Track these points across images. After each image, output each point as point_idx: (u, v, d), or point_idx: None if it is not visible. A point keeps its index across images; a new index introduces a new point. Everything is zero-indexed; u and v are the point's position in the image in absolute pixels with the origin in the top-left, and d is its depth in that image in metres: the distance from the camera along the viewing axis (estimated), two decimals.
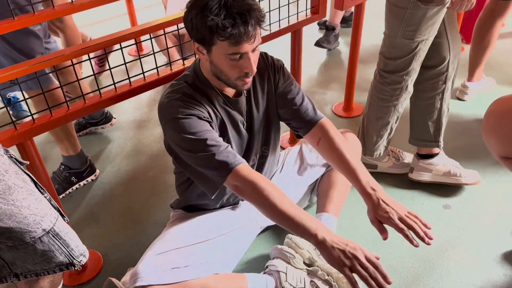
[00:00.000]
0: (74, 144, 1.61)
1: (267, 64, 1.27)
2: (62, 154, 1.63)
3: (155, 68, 1.33)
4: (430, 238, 1.01)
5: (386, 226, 1.08)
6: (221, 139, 1.10)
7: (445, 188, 1.63)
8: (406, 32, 1.39)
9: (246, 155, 1.27)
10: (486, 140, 0.90)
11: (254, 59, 1.04)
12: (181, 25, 1.19)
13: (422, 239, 1.00)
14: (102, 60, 2.37)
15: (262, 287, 1.25)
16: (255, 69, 1.06)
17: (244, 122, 1.22)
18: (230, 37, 0.95)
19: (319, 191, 1.46)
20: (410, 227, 1.00)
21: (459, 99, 2.18)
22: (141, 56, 1.31)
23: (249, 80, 1.09)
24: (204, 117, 1.10)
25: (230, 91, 1.19)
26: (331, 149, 1.19)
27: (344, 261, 0.92)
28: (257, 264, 1.42)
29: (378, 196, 1.08)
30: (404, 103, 1.56)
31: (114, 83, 1.25)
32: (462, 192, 1.63)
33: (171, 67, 1.35)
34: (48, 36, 1.59)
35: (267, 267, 1.32)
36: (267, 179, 1.06)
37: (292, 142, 1.81)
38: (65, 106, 1.20)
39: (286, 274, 1.25)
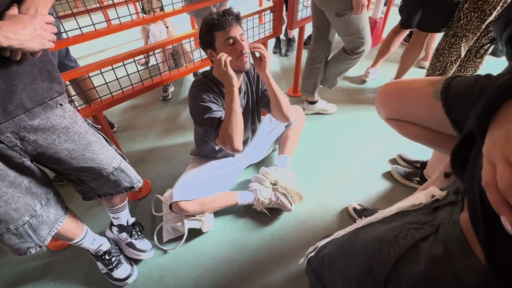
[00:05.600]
0: None
1: (253, 75, 1.40)
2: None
3: (148, 78, 1.44)
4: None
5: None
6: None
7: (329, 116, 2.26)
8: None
9: (245, 128, 1.41)
10: (377, 108, 1.01)
11: (244, 43, 1.15)
12: (175, 44, 1.43)
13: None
14: None
15: (247, 199, 1.48)
16: (247, 49, 1.16)
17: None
18: (220, 26, 1.10)
19: (279, 142, 1.73)
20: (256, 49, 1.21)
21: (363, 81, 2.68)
22: (149, 67, 1.47)
23: (246, 59, 1.16)
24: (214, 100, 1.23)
25: None
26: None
27: None
28: (243, 186, 1.67)
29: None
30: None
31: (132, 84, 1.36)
32: (327, 117, 2.25)
33: (161, 76, 1.44)
34: (67, 54, 1.66)
35: (249, 187, 1.54)
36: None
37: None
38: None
39: (260, 190, 1.48)
